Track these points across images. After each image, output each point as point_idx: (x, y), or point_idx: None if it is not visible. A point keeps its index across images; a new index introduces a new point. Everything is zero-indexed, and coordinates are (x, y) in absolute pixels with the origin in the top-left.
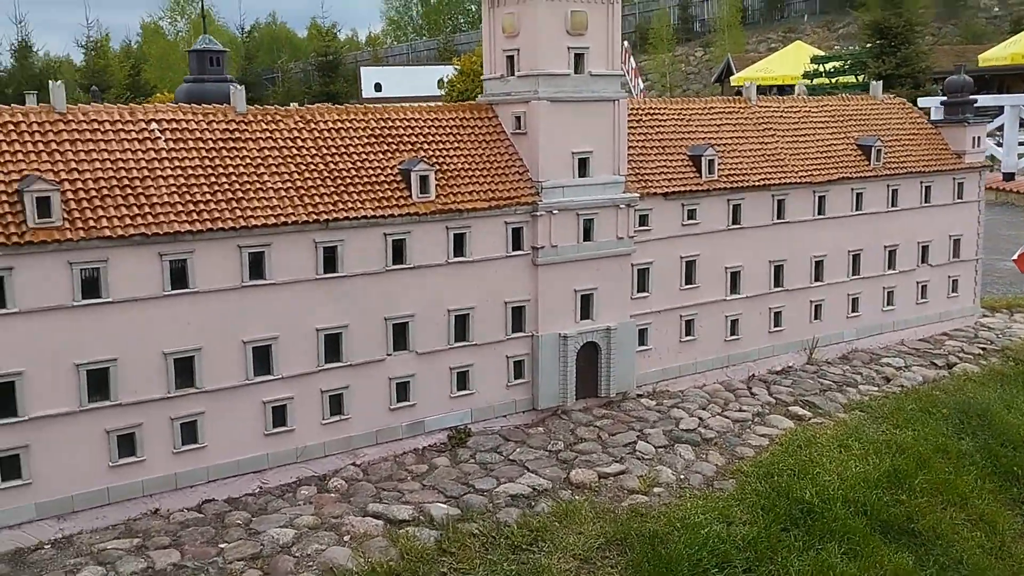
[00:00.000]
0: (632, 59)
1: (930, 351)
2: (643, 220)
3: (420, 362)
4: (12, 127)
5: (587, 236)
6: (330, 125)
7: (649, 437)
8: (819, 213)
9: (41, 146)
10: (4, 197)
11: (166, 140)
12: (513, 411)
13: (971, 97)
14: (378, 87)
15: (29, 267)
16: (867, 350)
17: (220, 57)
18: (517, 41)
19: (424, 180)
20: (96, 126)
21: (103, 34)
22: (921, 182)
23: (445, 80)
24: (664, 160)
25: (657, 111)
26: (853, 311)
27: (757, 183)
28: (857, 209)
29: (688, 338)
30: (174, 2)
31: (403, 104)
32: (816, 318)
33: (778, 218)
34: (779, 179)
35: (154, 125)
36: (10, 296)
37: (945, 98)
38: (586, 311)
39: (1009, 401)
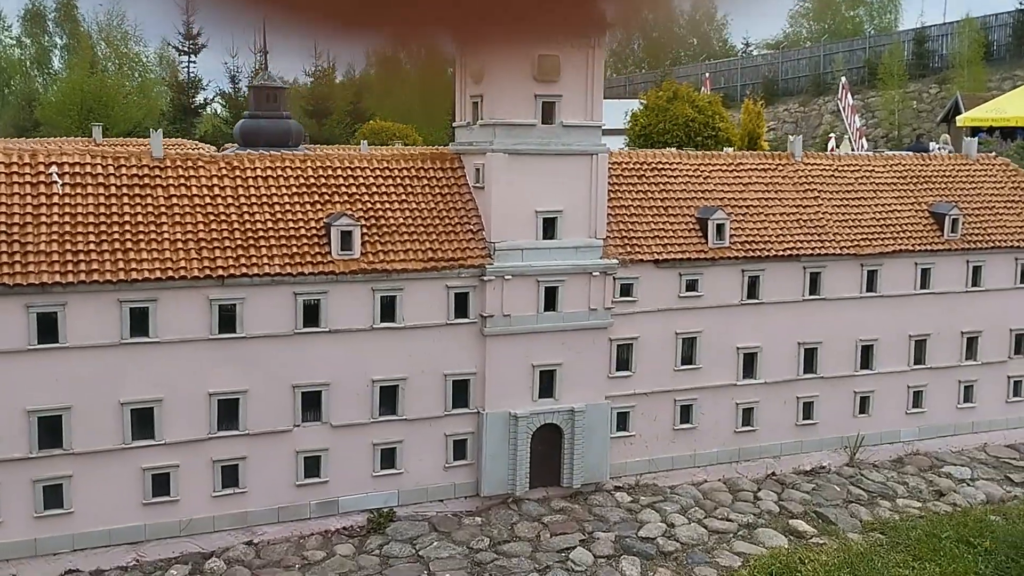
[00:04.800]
0: (849, 95)
1: (1013, 462)
2: (627, 290)
3: (335, 435)
4: None
5: (551, 305)
6: (258, 173)
7: (595, 543)
8: (869, 290)
9: None
10: None
11: (62, 185)
12: (452, 495)
13: None
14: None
15: None
16: (931, 454)
17: (278, 94)
18: (482, 86)
19: (347, 236)
20: None
21: (331, 63)
22: (1016, 259)
23: (628, 114)
24: (664, 223)
25: (667, 166)
26: (915, 406)
27: (782, 252)
28: (923, 287)
29: (685, 426)
30: None
31: (356, 151)
32: (862, 412)
33: (811, 294)
34: (813, 249)
35: (53, 169)
36: None
37: None
38: (547, 389)
39: None
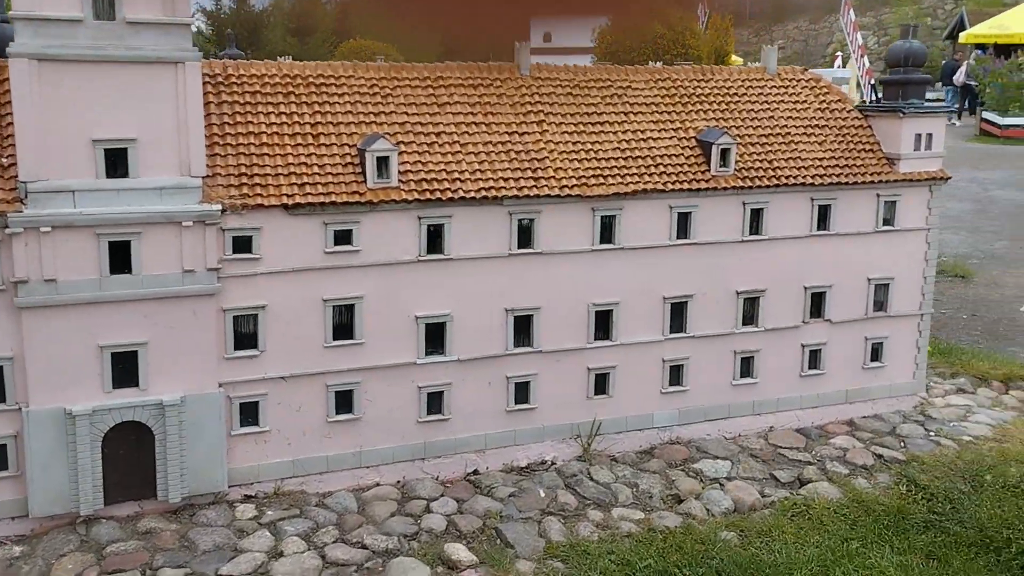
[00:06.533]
0: (851, 12)
1: (790, 453)
2: (246, 245)
3: None
4: None
5: (122, 267)
6: None
7: None
8: (604, 241)
9: None
10: None
11: None
12: None
13: (920, 76)
14: (547, 37)
15: None
16: (694, 442)
17: None
18: None
19: None
20: None
21: None
22: (812, 198)
23: (595, 31)
24: (308, 156)
25: (330, 82)
26: (672, 384)
27: (474, 194)
28: (681, 236)
29: (344, 416)
30: None
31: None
32: (600, 392)
33: (521, 246)
34: (521, 189)
35: None
36: None
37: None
38: (128, 377)
39: (826, 569)
